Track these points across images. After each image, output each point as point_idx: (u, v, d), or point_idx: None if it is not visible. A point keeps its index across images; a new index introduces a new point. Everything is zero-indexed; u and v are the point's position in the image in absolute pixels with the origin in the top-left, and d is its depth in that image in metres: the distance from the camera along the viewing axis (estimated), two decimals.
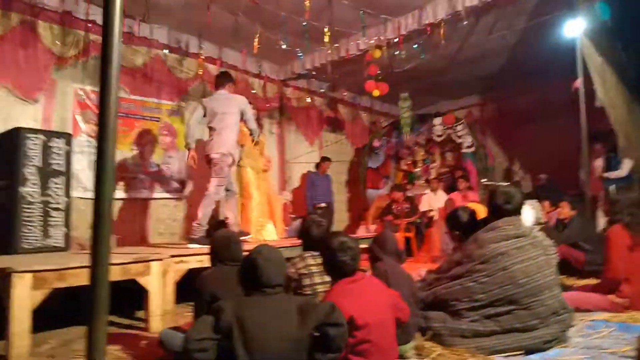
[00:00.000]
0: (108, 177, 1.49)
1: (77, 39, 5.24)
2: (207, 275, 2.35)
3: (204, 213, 4.22)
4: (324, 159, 7.80)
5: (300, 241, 2.85)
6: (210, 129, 4.47)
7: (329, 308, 1.71)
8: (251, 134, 4.58)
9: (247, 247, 2.42)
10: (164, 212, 6.11)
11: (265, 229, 5.10)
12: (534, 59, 7.04)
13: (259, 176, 5.36)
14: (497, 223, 2.57)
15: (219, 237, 2.53)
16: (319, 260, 2.53)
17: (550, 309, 2.38)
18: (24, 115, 4.87)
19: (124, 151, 5.71)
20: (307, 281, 2.50)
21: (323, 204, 7.36)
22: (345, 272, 2.02)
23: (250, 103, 4.83)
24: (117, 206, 5.57)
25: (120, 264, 3.10)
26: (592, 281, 3.82)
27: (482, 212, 3.02)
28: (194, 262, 3.57)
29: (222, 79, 4.66)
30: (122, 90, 5.71)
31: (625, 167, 5.85)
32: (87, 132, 5.32)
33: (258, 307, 1.70)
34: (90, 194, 5.10)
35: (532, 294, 2.36)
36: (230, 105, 4.44)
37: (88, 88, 5.40)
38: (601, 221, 5.61)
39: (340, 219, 8.72)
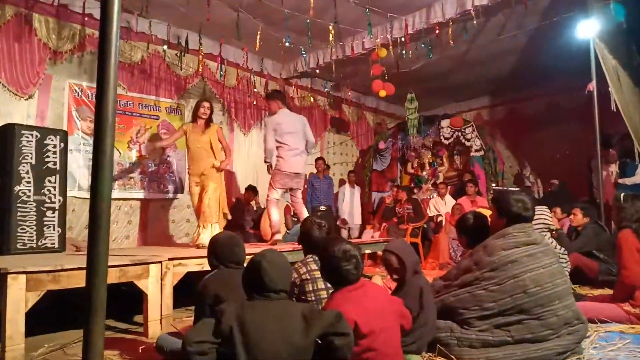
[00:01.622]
0: (105, 175, 1.49)
1: (72, 33, 5.26)
2: (210, 278, 2.34)
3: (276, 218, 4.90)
4: (317, 160, 7.82)
5: (300, 246, 2.83)
6: (281, 145, 4.91)
7: (335, 317, 1.69)
8: (307, 147, 5.10)
9: (250, 250, 2.40)
10: (172, 213, 6.16)
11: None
12: (546, 60, 7.03)
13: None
14: (508, 229, 2.56)
15: (222, 239, 2.52)
16: None
17: (563, 319, 2.35)
18: (18, 111, 4.88)
19: (120, 149, 5.73)
20: (309, 287, 2.49)
21: (323, 207, 7.39)
22: (350, 281, 2.00)
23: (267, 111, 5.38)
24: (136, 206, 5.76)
25: (118, 266, 3.09)
26: (606, 291, 3.79)
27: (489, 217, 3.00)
28: (193, 265, 3.58)
29: (280, 96, 5.13)
30: (120, 87, 5.74)
31: None
32: (83, 130, 5.34)
33: (261, 311, 1.70)
34: (86, 193, 5.14)
35: (543, 303, 2.34)
36: (297, 124, 5.00)
37: (84, 84, 5.42)
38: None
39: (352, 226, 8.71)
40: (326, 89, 8.13)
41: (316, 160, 7.83)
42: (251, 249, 4.33)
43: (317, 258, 2.55)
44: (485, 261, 2.49)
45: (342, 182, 8.67)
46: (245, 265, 1.92)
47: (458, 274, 2.64)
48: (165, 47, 6.02)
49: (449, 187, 8.03)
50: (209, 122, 4.93)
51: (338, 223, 7.87)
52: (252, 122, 7.31)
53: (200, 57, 6.22)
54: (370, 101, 9.47)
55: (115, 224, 5.61)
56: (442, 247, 6.75)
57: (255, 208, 6.87)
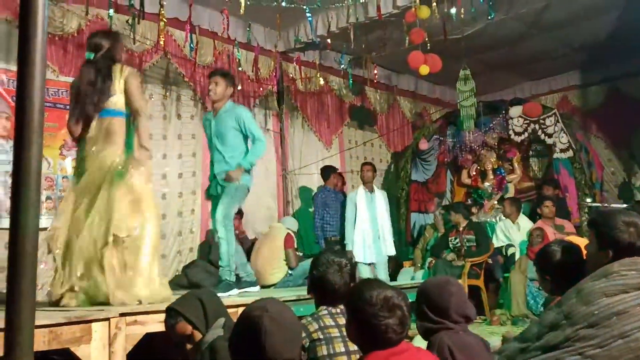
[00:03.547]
0: (31, 195, 1.49)
1: None
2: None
3: None
4: (326, 170, 7.74)
5: (310, 295, 2.88)
6: None
7: None
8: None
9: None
10: None
11: None
12: None
13: None
14: (613, 267, 2.53)
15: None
16: (342, 321, 2.53)
17: None
18: None
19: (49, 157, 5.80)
20: (323, 350, 2.52)
21: (339, 236, 7.38)
22: (390, 342, 1.98)
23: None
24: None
25: (47, 326, 3.08)
26: None
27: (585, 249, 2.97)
28: (155, 324, 3.56)
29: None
30: (49, 69, 5.82)
31: None
32: None
33: None
34: (5, 222, 5.17)
35: None
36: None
37: None
38: None
39: None
40: (342, 66, 8.15)
41: (323, 171, 7.76)
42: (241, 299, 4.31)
43: (334, 311, 2.64)
44: (581, 313, 2.47)
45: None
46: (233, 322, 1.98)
47: (540, 332, 2.61)
48: (111, 11, 6.08)
49: (523, 203, 7.93)
50: None
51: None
52: None
53: (162, 24, 6.26)
54: (405, 82, 9.50)
55: (42, 265, 5.64)
56: (515, 292, 6.67)
57: (241, 237, 6.90)
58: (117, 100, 4.05)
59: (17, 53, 1.56)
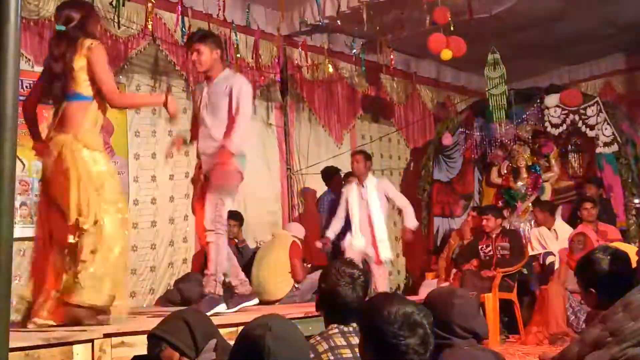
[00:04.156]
0: (4, 201, 1.50)
1: None
2: None
3: None
4: (327, 172, 7.73)
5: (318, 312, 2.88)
6: None
7: None
8: None
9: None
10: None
11: None
12: None
13: None
14: None
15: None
16: (354, 340, 2.53)
17: None
18: None
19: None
20: None
21: None
22: None
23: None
24: None
25: (22, 349, 3.08)
26: None
27: (634, 256, 3.04)
28: (143, 346, 3.48)
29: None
30: (23, 59, 5.85)
31: None
32: None
33: None
34: None
35: None
36: None
37: None
38: None
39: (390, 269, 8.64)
40: (354, 51, 8.18)
41: (324, 172, 7.76)
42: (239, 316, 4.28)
43: (345, 329, 2.62)
44: (629, 329, 2.48)
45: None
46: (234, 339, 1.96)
47: (583, 351, 2.61)
48: None
49: (561, 206, 7.91)
50: None
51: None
52: None
53: (150, 5, 6.29)
54: (426, 68, 9.48)
55: (17, 280, 5.66)
56: (553, 306, 6.63)
57: (241, 246, 6.93)
58: (74, 82, 3.94)
59: None
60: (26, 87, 5.86)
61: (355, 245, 6.63)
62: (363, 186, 6.81)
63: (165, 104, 4.27)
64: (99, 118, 4.07)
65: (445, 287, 2.58)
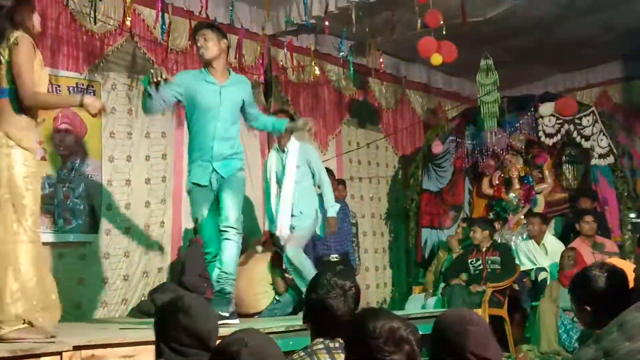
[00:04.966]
0: None
1: None
2: None
3: None
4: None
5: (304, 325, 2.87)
6: None
7: None
8: None
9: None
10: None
11: None
12: None
13: None
14: None
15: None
16: (340, 357, 2.52)
17: None
18: None
19: None
20: None
21: (335, 256, 7.31)
22: None
23: None
24: None
25: None
26: None
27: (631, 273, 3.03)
28: (114, 359, 3.59)
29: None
30: None
31: None
32: None
33: None
34: None
35: None
36: None
37: None
38: None
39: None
40: (342, 54, 8.16)
41: None
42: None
43: (331, 345, 2.61)
44: (624, 350, 2.45)
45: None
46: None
47: None
48: None
49: (553, 220, 7.94)
50: None
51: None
52: None
53: (128, 0, 6.27)
54: (417, 73, 9.62)
55: None
56: (545, 324, 6.68)
57: None
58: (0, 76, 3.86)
59: None
60: None
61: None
62: (284, 151, 6.00)
63: (81, 104, 4.07)
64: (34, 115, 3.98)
65: (454, 312, 2.55)
